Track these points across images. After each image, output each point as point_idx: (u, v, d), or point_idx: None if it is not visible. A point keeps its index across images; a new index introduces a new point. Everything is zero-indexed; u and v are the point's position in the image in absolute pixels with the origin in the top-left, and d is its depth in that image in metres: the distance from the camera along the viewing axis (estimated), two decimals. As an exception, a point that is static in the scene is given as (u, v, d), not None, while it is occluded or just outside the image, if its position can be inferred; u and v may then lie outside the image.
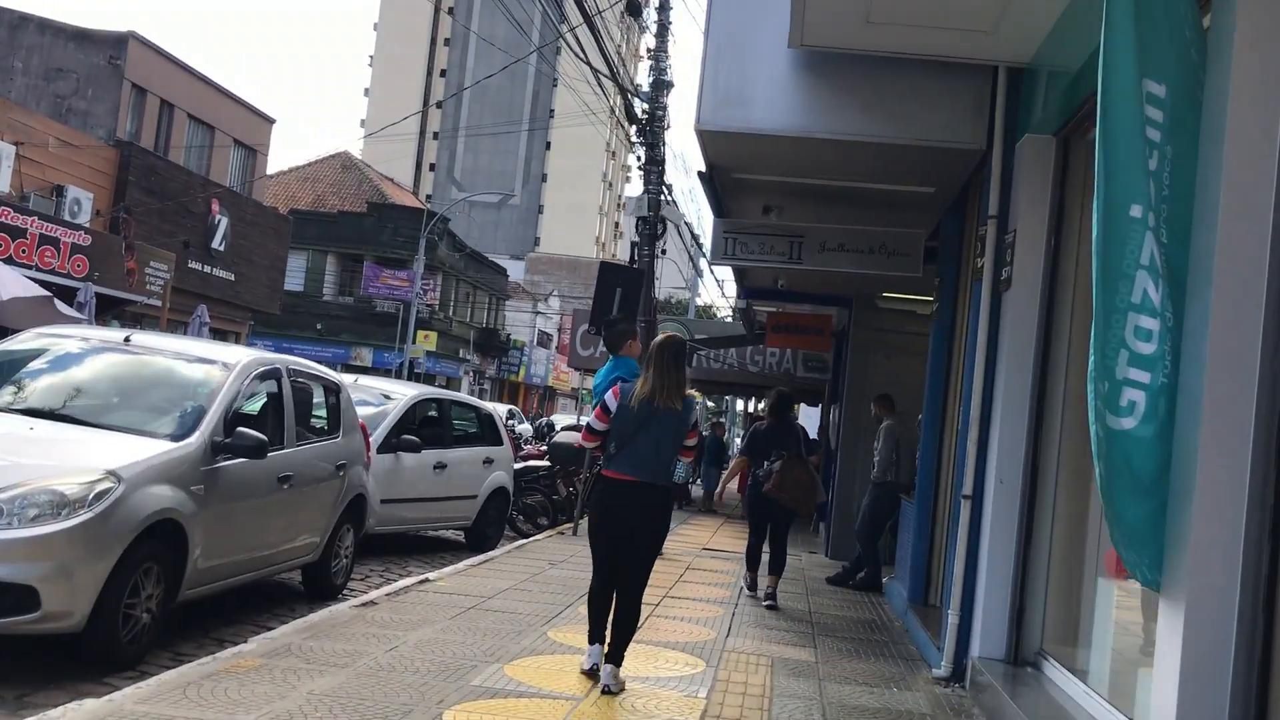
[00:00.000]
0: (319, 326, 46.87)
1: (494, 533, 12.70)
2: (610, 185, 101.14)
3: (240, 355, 7.49)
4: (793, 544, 15.11)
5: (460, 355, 52.60)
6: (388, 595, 8.16)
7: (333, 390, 8.59)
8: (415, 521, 11.51)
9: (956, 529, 6.99)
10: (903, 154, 7.62)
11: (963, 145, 7.25)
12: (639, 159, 17.61)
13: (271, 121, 35.92)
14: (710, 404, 59.78)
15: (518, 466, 14.18)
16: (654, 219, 17.32)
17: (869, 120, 7.20)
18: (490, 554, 11.12)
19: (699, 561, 12.01)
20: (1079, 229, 6.53)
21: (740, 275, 14.08)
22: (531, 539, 12.86)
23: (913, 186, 8.44)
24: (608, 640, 5.95)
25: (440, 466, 11.51)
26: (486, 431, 12.82)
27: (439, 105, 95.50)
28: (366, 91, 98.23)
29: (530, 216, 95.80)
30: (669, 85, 18.00)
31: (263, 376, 7.49)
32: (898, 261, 9.25)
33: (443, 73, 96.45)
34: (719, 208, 9.60)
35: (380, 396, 11.53)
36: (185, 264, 27.29)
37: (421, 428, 11.79)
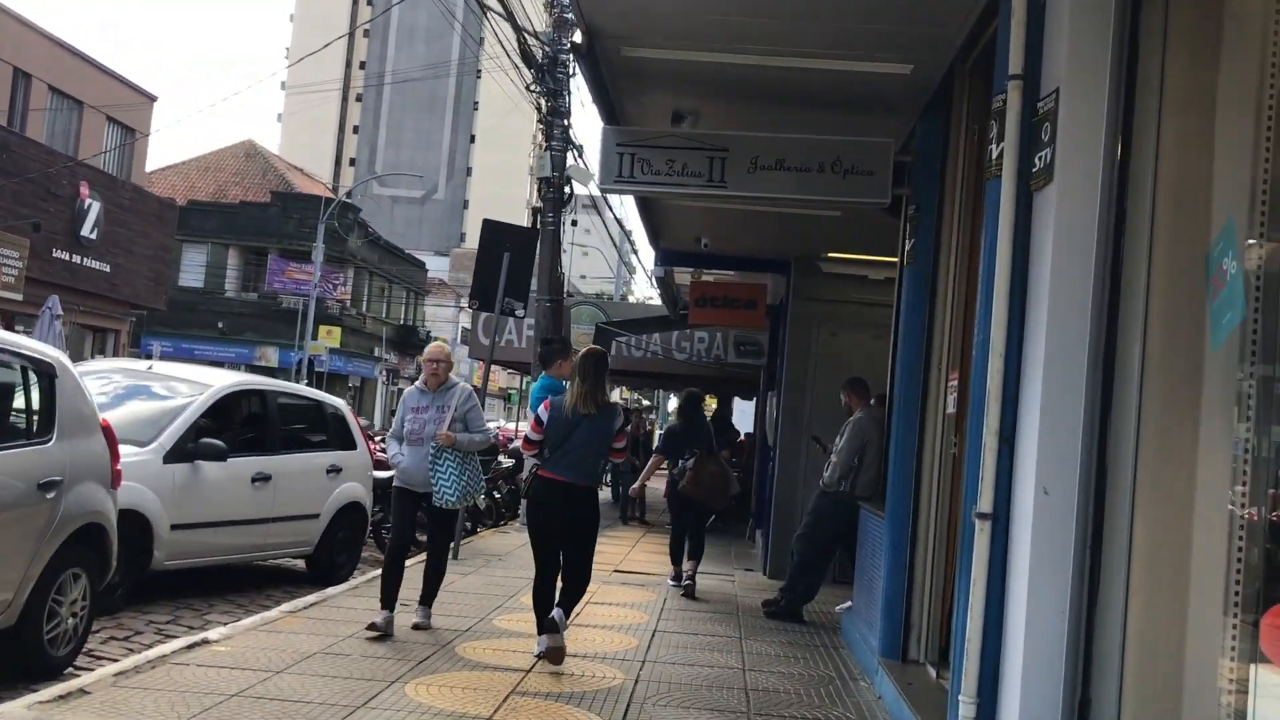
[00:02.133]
0: (220, 325, 43.48)
1: (346, 560, 10.03)
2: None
3: None
4: (726, 560, 12.68)
5: (375, 354, 49.44)
6: (118, 674, 5.49)
7: (44, 374, 5.87)
8: (227, 551, 8.73)
9: (968, 564, 4.47)
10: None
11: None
12: (540, 109, 14.95)
13: (153, 99, 32.69)
14: (646, 401, 56.98)
15: (383, 474, 11.45)
16: (558, 179, 14.76)
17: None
18: (326, 592, 8.44)
19: (605, 591, 9.41)
20: (1160, 80, 4.05)
21: (655, 232, 11.46)
22: (399, 565, 10.21)
23: (882, 64, 5.88)
24: (557, 597, 6.54)
25: (262, 478, 8.79)
26: (333, 433, 10.08)
27: (359, 98, 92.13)
28: (283, 85, 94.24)
29: (455, 212, 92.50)
30: (573, 25, 15.37)
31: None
32: (857, 183, 6.58)
33: (362, 64, 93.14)
34: (610, 109, 6.96)
35: (184, 388, 8.81)
36: (48, 252, 24.12)
37: (241, 428, 9.11)
